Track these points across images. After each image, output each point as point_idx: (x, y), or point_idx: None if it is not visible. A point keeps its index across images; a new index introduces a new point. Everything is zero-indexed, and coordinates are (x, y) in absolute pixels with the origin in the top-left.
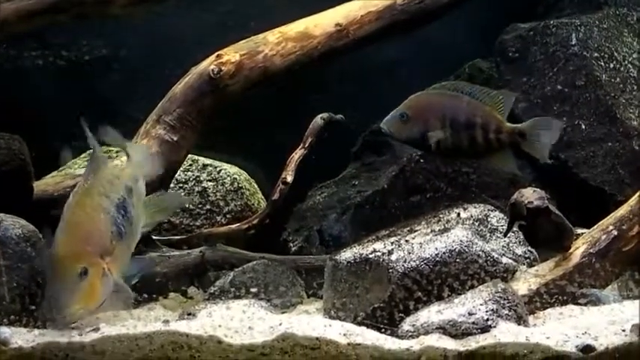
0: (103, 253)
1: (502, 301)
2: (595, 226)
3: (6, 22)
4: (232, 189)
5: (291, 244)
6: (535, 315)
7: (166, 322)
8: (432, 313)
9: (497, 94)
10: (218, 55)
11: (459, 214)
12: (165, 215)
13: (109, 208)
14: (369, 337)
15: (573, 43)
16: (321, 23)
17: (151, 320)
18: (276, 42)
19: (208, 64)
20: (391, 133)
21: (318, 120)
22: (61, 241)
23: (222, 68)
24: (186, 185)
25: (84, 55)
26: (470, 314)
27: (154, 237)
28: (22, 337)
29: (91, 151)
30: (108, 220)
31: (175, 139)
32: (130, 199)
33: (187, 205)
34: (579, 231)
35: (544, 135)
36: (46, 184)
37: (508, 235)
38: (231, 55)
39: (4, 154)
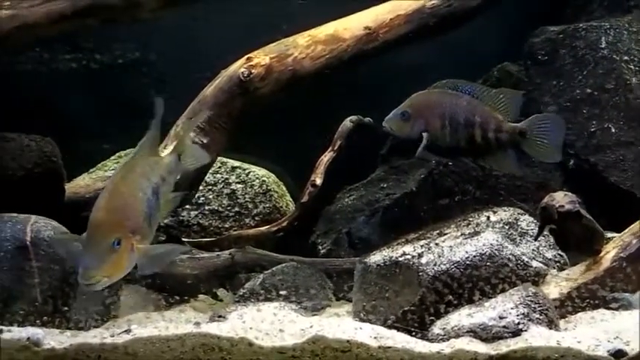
0: (134, 230)
1: (533, 305)
2: (626, 230)
3: (37, 25)
4: (261, 191)
5: (320, 247)
6: (566, 319)
7: (197, 324)
8: (462, 317)
9: (497, 93)
10: (248, 58)
11: (488, 218)
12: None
13: (147, 190)
14: (399, 340)
15: (603, 46)
16: (350, 26)
17: (181, 322)
18: (306, 45)
19: (238, 67)
20: (393, 131)
21: (347, 123)
22: (102, 209)
23: (252, 71)
24: (215, 187)
25: (117, 58)
26: (501, 318)
27: (183, 239)
28: (54, 339)
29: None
30: (144, 200)
31: (205, 141)
32: (161, 188)
33: (217, 208)
34: (609, 235)
35: (545, 134)
36: (77, 186)
37: (538, 238)
38: (261, 57)
39: (36, 156)
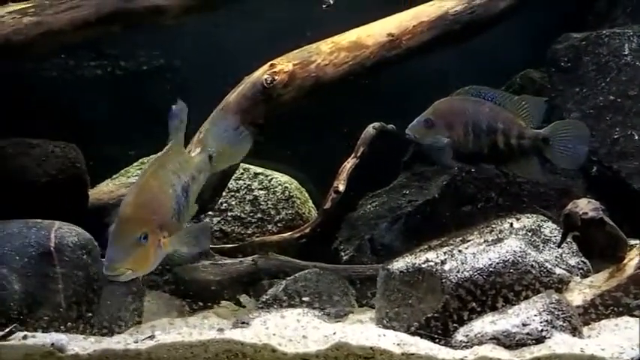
0: (162, 226)
1: (556, 312)
2: None
3: (62, 31)
4: (283, 197)
5: (343, 253)
6: (590, 326)
7: (221, 330)
8: (485, 324)
9: (519, 100)
10: (271, 65)
11: (511, 225)
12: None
13: (177, 187)
14: (422, 347)
15: (626, 53)
16: (373, 33)
17: (205, 328)
18: (329, 52)
19: (262, 74)
20: (416, 139)
21: (370, 129)
22: (131, 204)
23: (276, 77)
24: (237, 194)
25: (141, 65)
26: (524, 325)
27: None
28: (78, 344)
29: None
30: (174, 197)
31: None
32: (191, 186)
33: (239, 214)
34: (632, 242)
35: (567, 140)
36: (100, 192)
37: (561, 245)
38: (284, 64)
39: (61, 162)
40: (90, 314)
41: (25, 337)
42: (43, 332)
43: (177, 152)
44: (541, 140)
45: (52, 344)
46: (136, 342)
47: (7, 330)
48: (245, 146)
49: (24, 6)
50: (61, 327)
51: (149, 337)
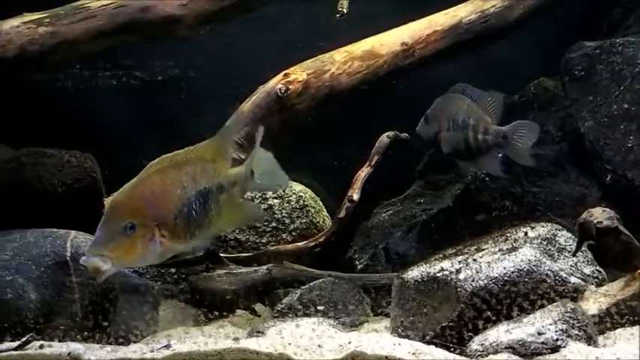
0: (160, 223)
1: (572, 321)
2: None
3: (77, 41)
4: (298, 206)
5: (357, 262)
6: (605, 335)
7: (236, 339)
8: (500, 333)
9: (486, 95)
10: (285, 74)
11: (526, 233)
12: (238, 223)
13: (189, 190)
14: (437, 356)
15: None
16: (387, 42)
17: (221, 337)
18: (343, 61)
19: (276, 83)
20: (420, 134)
21: (384, 138)
22: (125, 192)
23: (290, 87)
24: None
25: (156, 75)
26: (539, 334)
27: (221, 254)
28: (94, 354)
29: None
30: (181, 197)
31: (243, 157)
32: (216, 196)
33: (254, 223)
34: None
35: (523, 138)
36: None
37: (576, 254)
38: (299, 73)
39: (76, 171)
40: (106, 323)
41: (41, 347)
42: (59, 342)
43: (203, 158)
44: (502, 137)
45: (69, 353)
46: (152, 351)
47: (24, 339)
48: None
49: (39, 16)
50: (78, 336)
51: (165, 346)
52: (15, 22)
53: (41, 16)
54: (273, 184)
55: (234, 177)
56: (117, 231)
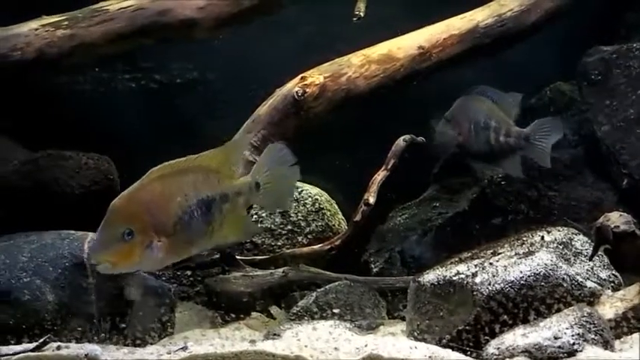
0: (159, 229)
1: (588, 325)
2: None
3: (95, 44)
4: (314, 209)
5: (373, 265)
6: (621, 340)
7: (253, 341)
8: (517, 337)
9: (506, 97)
10: (302, 77)
11: (542, 237)
12: (241, 235)
13: (190, 197)
14: (454, 359)
15: None
16: (404, 46)
17: (237, 340)
18: (360, 64)
19: (293, 86)
20: (440, 135)
21: (400, 142)
22: (124, 197)
23: (307, 90)
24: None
25: (175, 77)
26: (556, 338)
27: (237, 256)
28: (111, 355)
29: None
30: (182, 205)
31: (258, 159)
32: (220, 205)
33: (269, 226)
34: None
35: (545, 138)
36: None
37: (593, 259)
38: (315, 77)
39: (93, 174)
40: (123, 325)
41: (58, 348)
42: (76, 343)
43: (207, 166)
44: (523, 139)
45: (86, 355)
46: (168, 353)
47: (42, 340)
48: (293, 181)
49: (57, 19)
50: (95, 338)
51: (182, 348)
52: (33, 24)
53: (59, 18)
54: (275, 205)
55: (238, 187)
56: (115, 237)
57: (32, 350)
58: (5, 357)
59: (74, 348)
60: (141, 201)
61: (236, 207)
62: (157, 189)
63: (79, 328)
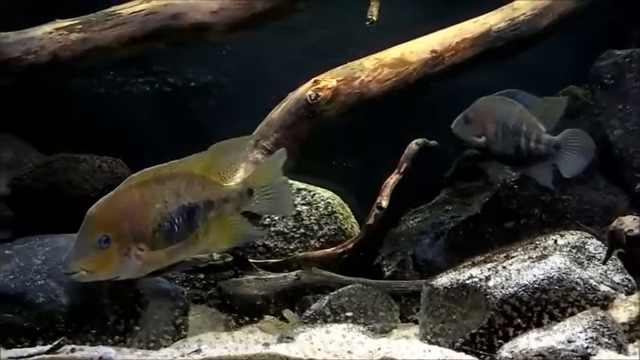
0: (137, 237)
1: (602, 329)
2: None
3: (108, 48)
4: (326, 213)
5: (385, 269)
6: (635, 343)
7: (266, 344)
8: (530, 340)
9: (542, 102)
10: (315, 81)
11: (556, 241)
12: (229, 242)
13: (170, 204)
14: None
15: None
16: (416, 50)
17: (251, 343)
18: (373, 68)
19: (306, 90)
20: (456, 134)
21: (413, 145)
22: (100, 205)
23: (320, 94)
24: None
25: (189, 81)
26: (569, 342)
27: (250, 260)
28: (125, 357)
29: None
30: (161, 212)
31: None
32: (204, 212)
33: (282, 229)
34: None
35: (575, 150)
36: None
37: (606, 262)
38: (328, 80)
39: (108, 177)
40: (137, 328)
41: (73, 350)
42: (90, 345)
43: (190, 172)
44: (553, 147)
45: (100, 357)
46: (182, 356)
47: (56, 343)
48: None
49: (71, 22)
50: (109, 340)
51: (195, 351)
52: (47, 28)
53: (73, 22)
54: (276, 210)
55: (225, 193)
56: (91, 244)
57: (47, 353)
58: (20, 359)
59: (88, 350)
60: (118, 208)
61: (223, 214)
62: (136, 195)
63: (94, 331)
